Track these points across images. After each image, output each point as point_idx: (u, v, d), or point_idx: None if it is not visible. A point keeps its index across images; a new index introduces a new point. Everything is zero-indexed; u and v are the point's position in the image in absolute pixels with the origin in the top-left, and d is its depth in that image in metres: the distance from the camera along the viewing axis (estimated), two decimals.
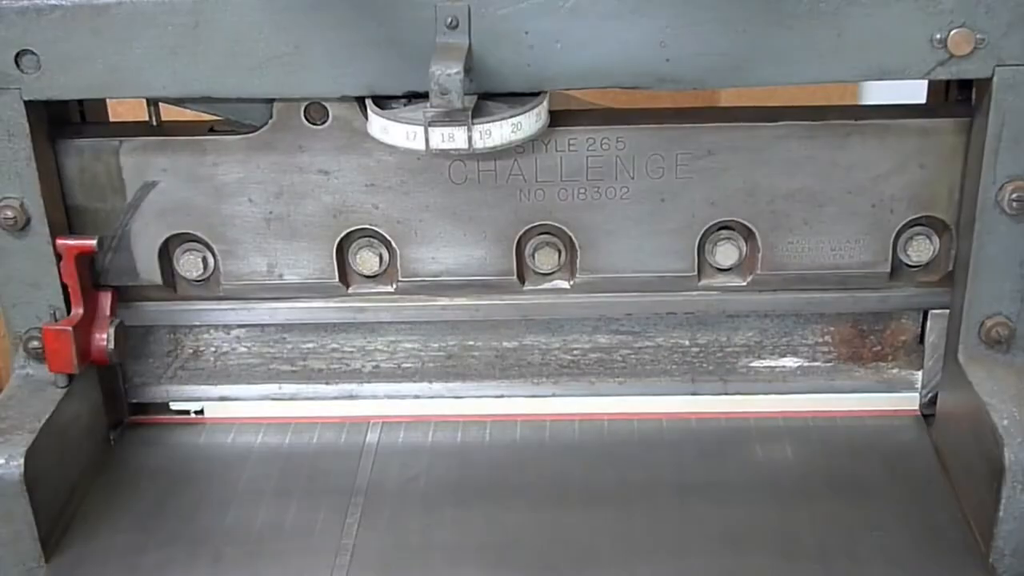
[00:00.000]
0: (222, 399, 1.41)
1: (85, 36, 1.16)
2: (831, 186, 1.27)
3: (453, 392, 1.40)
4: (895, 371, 1.39)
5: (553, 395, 1.40)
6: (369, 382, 1.41)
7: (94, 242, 1.25)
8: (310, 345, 1.40)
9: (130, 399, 1.40)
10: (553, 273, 1.33)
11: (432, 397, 1.40)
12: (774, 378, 1.39)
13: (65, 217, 1.27)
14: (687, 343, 1.39)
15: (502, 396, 1.40)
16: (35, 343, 1.27)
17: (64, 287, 1.26)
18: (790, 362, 1.39)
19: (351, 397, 1.41)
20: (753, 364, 1.39)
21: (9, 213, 1.22)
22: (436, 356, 1.40)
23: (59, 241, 1.24)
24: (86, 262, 1.27)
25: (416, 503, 1.27)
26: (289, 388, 1.41)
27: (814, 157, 1.26)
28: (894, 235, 1.29)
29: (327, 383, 1.41)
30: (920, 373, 1.37)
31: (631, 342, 1.39)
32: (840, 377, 1.39)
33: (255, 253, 1.31)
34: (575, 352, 1.40)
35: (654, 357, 1.39)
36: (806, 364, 1.39)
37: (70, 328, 1.24)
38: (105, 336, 1.28)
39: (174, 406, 1.42)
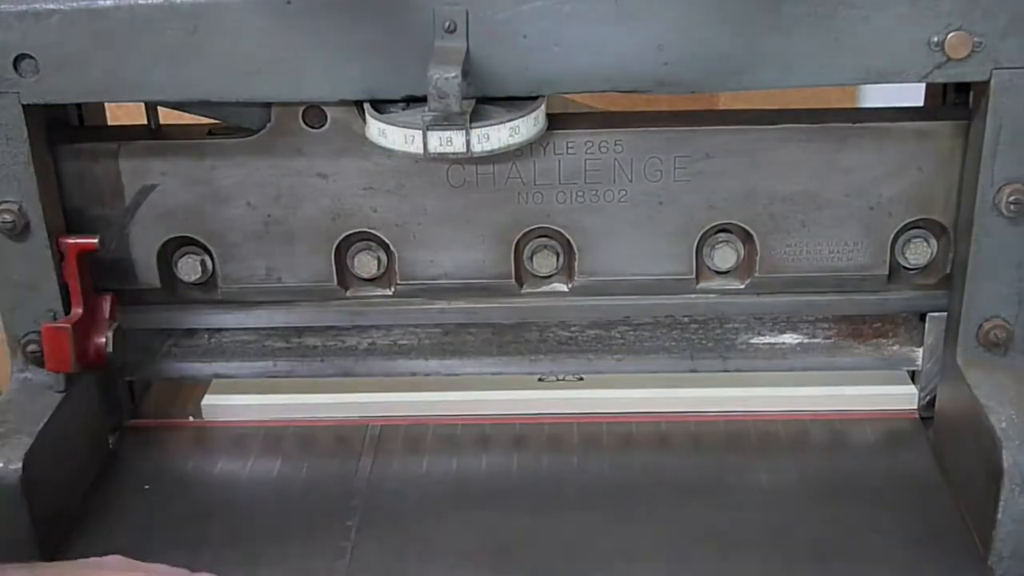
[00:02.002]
0: (215, 376, 1.41)
1: (84, 40, 1.16)
2: (829, 189, 1.27)
3: (449, 369, 1.40)
4: (895, 347, 1.38)
5: (551, 372, 1.40)
6: (364, 359, 1.40)
7: (96, 240, 1.25)
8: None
9: (124, 376, 1.39)
10: (551, 276, 1.33)
11: (428, 374, 1.40)
12: (773, 355, 1.39)
13: (64, 221, 1.27)
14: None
15: (499, 374, 1.40)
16: (33, 347, 1.27)
17: (64, 288, 1.26)
18: (789, 339, 1.39)
19: (346, 374, 1.40)
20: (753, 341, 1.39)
21: (7, 217, 1.22)
22: (432, 333, 1.40)
23: (61, 239, 1.24)
24: (87, 262, 1.27)
25: (415, 506, 1.27)
26: (284, 365, 1.40)
27: (812, 160, 1.26)
28: (892, 238, 1.29)
29: (322, 360, 1.40)
30: (920, 350, 1.37)
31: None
32: (840, 354, 1.39)
33: (254, 256, 1.31)
34: (572, 329, 1.39)
35: (652, 334, 1.39)
36: (806, 341, 1.39)
37: (69, 326, 1.24)
38: (104, 339, 1.28)
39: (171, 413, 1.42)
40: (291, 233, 1.30)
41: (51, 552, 1.21)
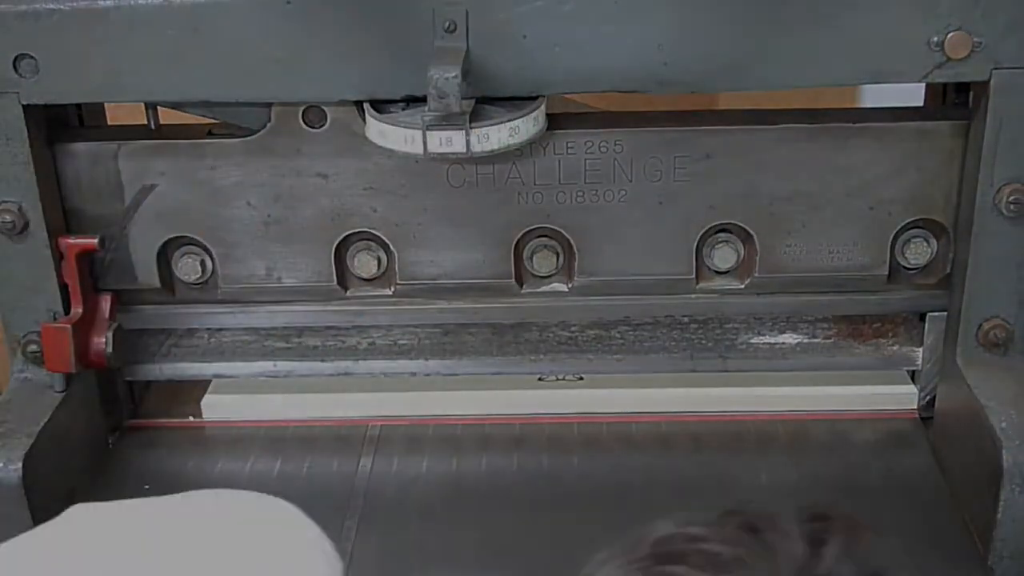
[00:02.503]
0: (215, 376, 1.41)
1: (84, 40, 1.16)
2: (829, 189, 1.27)
3: (449, 369, 1.40)
4: (895, 347, 1.38)
5: (551, 372, 1.40)
6: (364, 359, 1.40)
7: (96, 240, 1.25)
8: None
9: (124, 376, 1.39)
10: (551, 276, 1.33)
11: (428, 374, 1.40)
12: (773, 355, 1.39)
13: (63, 221, 1.27)
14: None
15: (499, 374, 1.40)
16: (33, 347, 1.27)
17: (64, 288, 1.26)
18: (789, 339, 1.39)
19: (346, 374, 1.40)
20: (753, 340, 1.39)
21: (7, 217, 1.22)
22: (432, 333, 1.40)
23: (61, 240, 1.24)
24: (87, 262, 1.27)
25: (415, 506, 1.27)
26: (283, 365, 1.40)
27: (812, 160, 1.26)
28: (892, 238, 1.29)
29: (322, 360, 1.40)
30: (920, 350, 1.36)
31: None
32: (840, 354, 1.39)
33: (253, 256, 1.31)
34: (572, 329, 1.39)
35: (652, 334, 1.39)
36: (806, 341, 1.39)
37: (69, 326, 1.24)
38: (104, 339, 1.28)
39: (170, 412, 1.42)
40: (291, 233, 1.30)
41: None
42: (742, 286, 1.33)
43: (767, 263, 1.30)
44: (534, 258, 1.31)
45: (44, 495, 1.19)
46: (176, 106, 1.23)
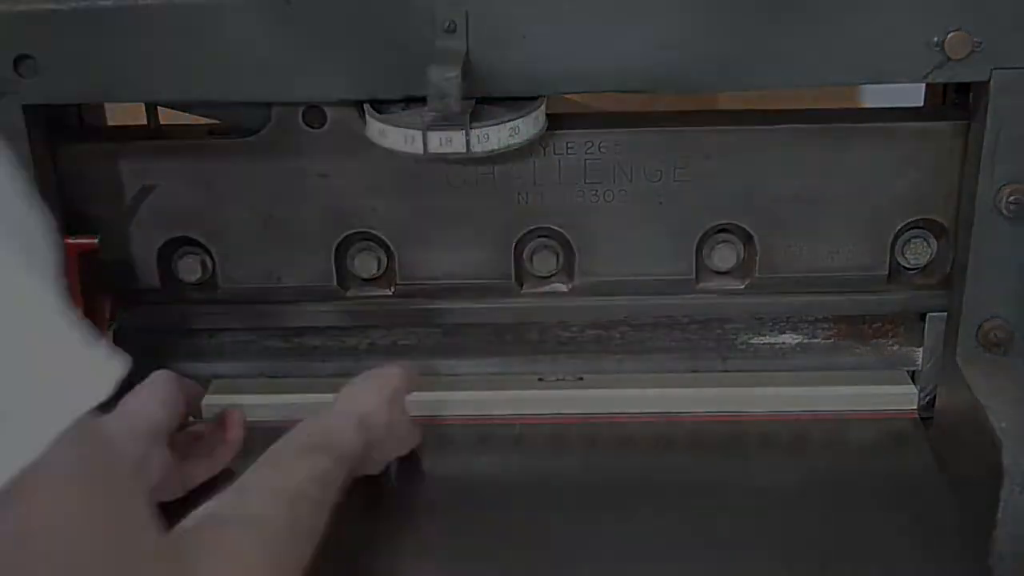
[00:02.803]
0: (215, 376, 1.40)
1: (84, 40, 1.16)
2: (829, 189, 1.27)
3: (449, 369, 1.40)
4: (895, 347, 1.38)
5: (551, 372, 1.40)
6: (364, 359, 1.39)
7: (96, 240, 1.25)
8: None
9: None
10: (551, 276, 1.33)
11: (428, 375, 1.39)
12: (773, 355, 1.39)
13: (64, 221, 1.27)
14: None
15: (499, 374, 1.40)
16: None
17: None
18: (789, 339, 1.39)
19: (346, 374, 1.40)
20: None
21: None
22: (432, 333, 1.40)
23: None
24: (87, 262, 1.27)
25: (415, 506, 1.27)
26: (284, 365, 1.40)
27: (812, 160, 1.26)
28: (892, 238, 1.29)
29: (322, 360, 1.40)
30: (920, 350, 1.36)
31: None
32: (840, 354, 1.39)
33: (254, 256, 1.31)
34: (572, 329, 1.39)
35: (652, 335, 1.39)
36: (806, 341, 1.39)
37: None
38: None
39: None
40: (291, 233, 1.30)
41: None
42: (742, 286, 1.33)
43: (767, 263, 1.30)
44: (534, 258, 1.31)
45: None
46: (176, 106, 1.23)
